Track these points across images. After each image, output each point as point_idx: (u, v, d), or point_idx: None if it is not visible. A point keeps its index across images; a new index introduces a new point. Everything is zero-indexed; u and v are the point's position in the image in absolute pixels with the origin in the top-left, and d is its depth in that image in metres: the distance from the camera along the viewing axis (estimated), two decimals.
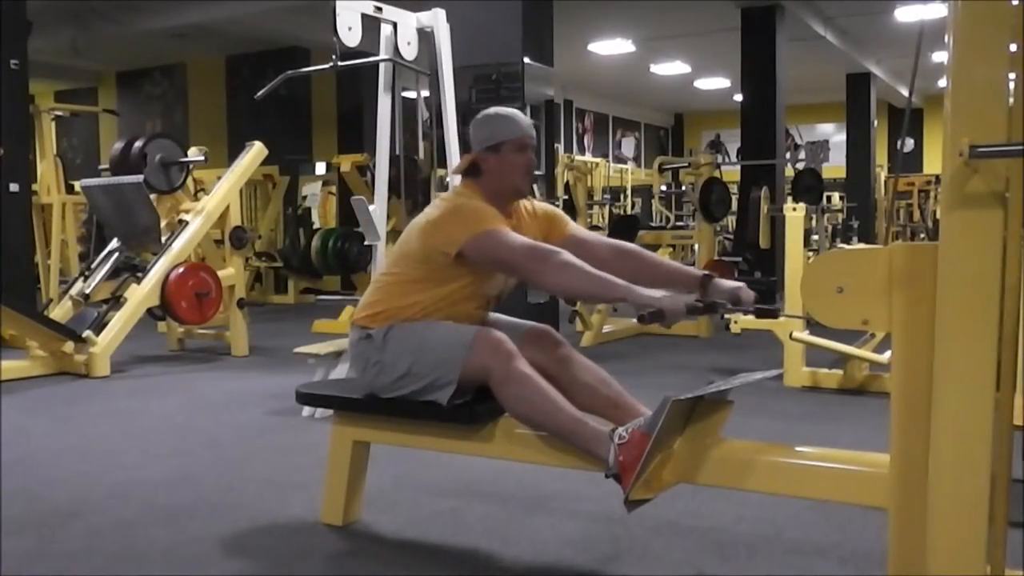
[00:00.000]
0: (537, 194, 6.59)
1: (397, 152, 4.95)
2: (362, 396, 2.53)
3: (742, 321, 5.04)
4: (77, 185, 7.14)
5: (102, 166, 7.71)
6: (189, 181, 6.74)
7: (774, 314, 2.31)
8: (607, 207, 12.97)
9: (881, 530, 1.81)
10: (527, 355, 2.35)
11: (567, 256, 2.28)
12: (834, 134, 16.57)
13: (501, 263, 2.38)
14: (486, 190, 2.48)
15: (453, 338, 2.35)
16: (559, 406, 2.24)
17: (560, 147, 13.01)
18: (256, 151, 6.57)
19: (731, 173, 12.91)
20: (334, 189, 11.47)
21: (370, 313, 2.49)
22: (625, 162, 18.07)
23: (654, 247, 10.20)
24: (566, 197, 9.71)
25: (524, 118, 2.55)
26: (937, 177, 13.27)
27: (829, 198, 12.21)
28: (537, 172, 6.34)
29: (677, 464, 2.15)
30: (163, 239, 6.04)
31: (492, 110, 2.56)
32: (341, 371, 4.18)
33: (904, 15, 11.30)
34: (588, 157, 14.73)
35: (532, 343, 2.47)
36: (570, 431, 2.22)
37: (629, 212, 14.19)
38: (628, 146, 19.90)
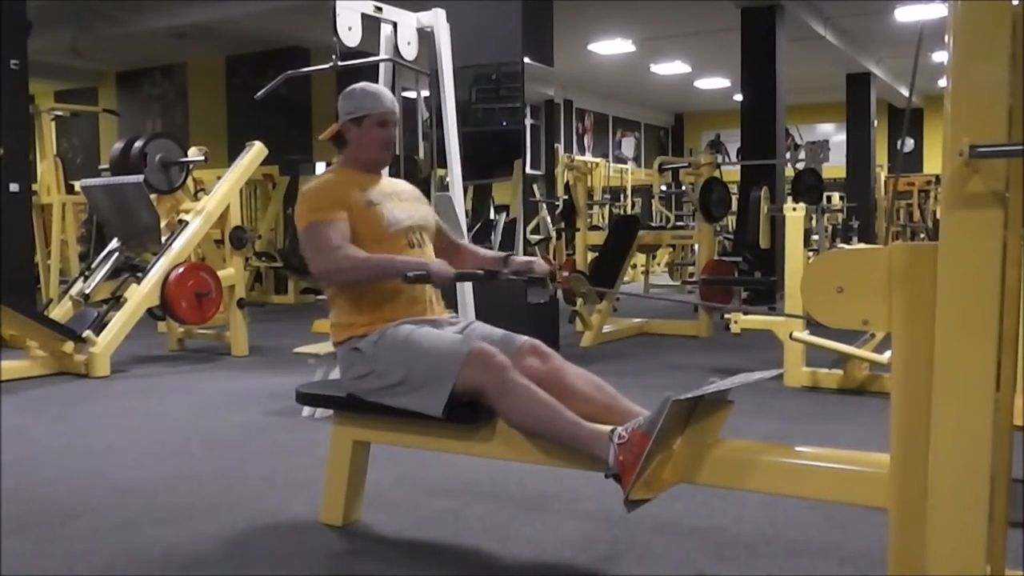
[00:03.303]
0: (537, 193, 6.60)
1: (397, 152, 4.95)
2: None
3: (742, 321, 5.05)
4: (77, 185, 7.15)
5: (102, 166, 7.71)
6: (189, 181, 6.74)
7: (543, 283, 2.75)
8: (607, 207, 12.98)
9: (881, 530, 1.80)
10: (520, 369, 2.36)
11: (346, 250, 2.48)
12: (834, 134, 16.57)
13: (309, 259, 2.54)
14: (350, 159, 2.70)
15: (446, 353, 2.36)
16: (556, 411, 2.24)
17: (560, 147, 13.03)
18: (256, 151, 6.57)
19: (731, 173, 12.91)
20: None
21: (341, 326, 2.58)
22: (625, 162, 18.09)
23: (654, 247, 10.24)
24: (566, 197, 9.72)
25: (389, 95, 2.73)
26: (937, 177, 13.27)
27: (829, 198, 12.21)
28: (537, 172, 6.37)
29: (677, 464, 2.15)
30: (163, 239, 6.04)
31: (360, 85, 2.73)
32: None
33: (904, 15, 11.31)
34: (588, 157, 14.75)
35: (524, 357, 2.48)
36: (569, 434, 2.22)
37: (629, 212, 14.20)
38: (628, 146, 19.90)
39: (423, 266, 2.45)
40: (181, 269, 5.86)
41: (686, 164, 9.03)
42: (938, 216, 10.33)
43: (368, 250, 2.53)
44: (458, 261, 2.77)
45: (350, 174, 2.67)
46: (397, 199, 2.70)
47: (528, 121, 5.98)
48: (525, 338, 2.58)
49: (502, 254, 2.79)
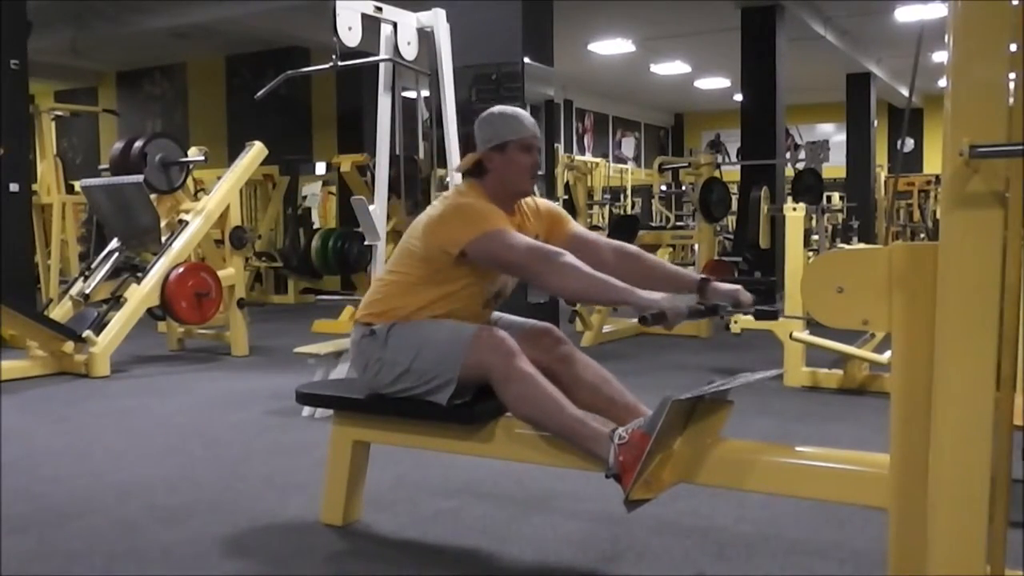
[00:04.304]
0: (538, 193, 6.59)
1: (397, 152, 4.95)
2: (363, 396, 2.53)
3: (742, 321, 5.04)
4: (77, 185, 7.14)
5: (102, 166, 7.71)
6: (189, 181, 6.74)
7: (774, 315, 2.29)
8: (607, 207, 12.97)
9: (881, 530, 1.80)
10: (529, 353, 2.35)
11: (569, 258, 2.28)
12: (834, 134, 16.55)
13: (504, 264, 2.38)
14: (489, 189, 2.48)
15: (454, 336, 2.35)
16: (560, 405, 2.24)
17: (560, 147, 13.02)
18: (256, 151, 6.57)
19: (731, 173, 12.91)
20: (334, 189, 11.48)
21: (373, 312, 2.49)
22: (625, 162, 18.08)
23: (654, 247, 10.21)
24: (566, 197, 9.72)
25: (530, 118, 2.54)
26: (937, 177, 13.26)
27: (829, 198, 12.21)
28: (539, 172, 6.36)
29: (677, 464, 2.15)
30: (163, 239, 6.04)
31: (497, 109, 2.56)
32: (341, 371, 4.18)
33: (904, 15, 11.30)
34: (588, 157, 14.73)
35: (534, 341, 2.47)
36: (571, 430, 2.22)
37: (629, 212, 14.19)
38: (628, 146, 19.89)
39: (656, 304, 2.13)
40: (181, 269, 5.86)
41: (686, 164, 9.04)
42: (938, 216, 10.33)
43: (435, 287, 2.42)
44: (631, 272, 2.44)
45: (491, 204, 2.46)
46: (528, 226, 2.54)
47: None
48: (536, 322, 2.58)
49: (695, 275, 2.47)
